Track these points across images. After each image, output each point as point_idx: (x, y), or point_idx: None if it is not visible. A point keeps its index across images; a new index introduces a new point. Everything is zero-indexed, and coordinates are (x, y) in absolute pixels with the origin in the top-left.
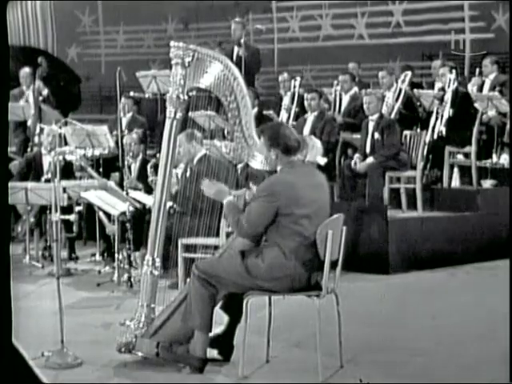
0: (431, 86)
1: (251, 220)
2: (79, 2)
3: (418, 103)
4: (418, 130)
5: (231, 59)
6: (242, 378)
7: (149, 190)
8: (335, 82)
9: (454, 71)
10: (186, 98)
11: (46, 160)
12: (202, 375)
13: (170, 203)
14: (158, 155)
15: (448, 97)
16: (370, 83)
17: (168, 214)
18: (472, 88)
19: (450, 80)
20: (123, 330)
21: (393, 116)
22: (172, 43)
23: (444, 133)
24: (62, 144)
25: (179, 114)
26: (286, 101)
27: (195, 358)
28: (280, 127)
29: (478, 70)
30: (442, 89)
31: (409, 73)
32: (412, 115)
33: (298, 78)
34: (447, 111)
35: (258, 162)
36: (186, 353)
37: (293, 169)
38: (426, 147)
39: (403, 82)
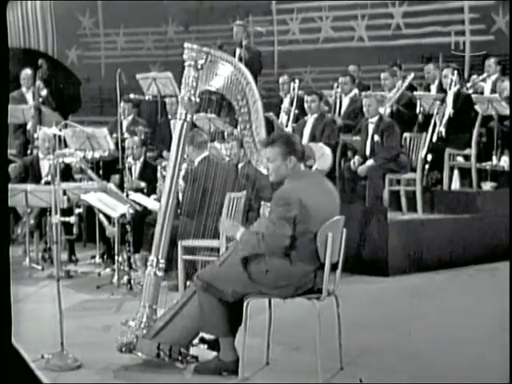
0: (428, 88)
1: (273, 232)
2: (79, 4)
3: (418, 105)
4: (418, 131)
5: None
6: (243, 380)
7: (151, 191)
8: (335, 85)
9: (456, 73)
10: (198, 100)
11: (44, 163)
12: (201, 376)
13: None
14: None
15: (449, 98)
16: (371, 85)
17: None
18: (471, 87)
19: (451, 81)
20: (124, 329)
21: (390, 113)
22: (186, 45)
23: (444, 135)
24: (62, 146)
25: (189, 116)
26: (285, 103)
27: (230, 363)
28: (291, 136)
29: (476, 70)
30: (443, 90)
31: (410, 74)
32: (412, 117)
33: (297, 81)
34: (448, 113)
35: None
36: (218, 361)
37: (303, 177)
38: (426, 149)
39: (403, 83)
